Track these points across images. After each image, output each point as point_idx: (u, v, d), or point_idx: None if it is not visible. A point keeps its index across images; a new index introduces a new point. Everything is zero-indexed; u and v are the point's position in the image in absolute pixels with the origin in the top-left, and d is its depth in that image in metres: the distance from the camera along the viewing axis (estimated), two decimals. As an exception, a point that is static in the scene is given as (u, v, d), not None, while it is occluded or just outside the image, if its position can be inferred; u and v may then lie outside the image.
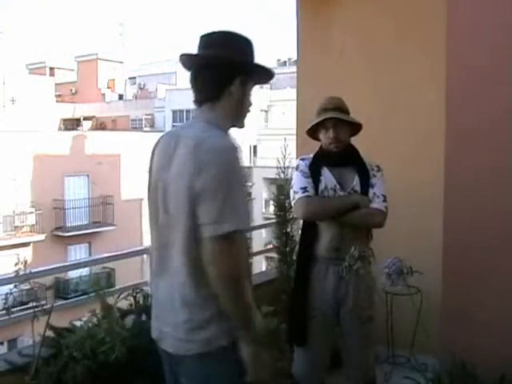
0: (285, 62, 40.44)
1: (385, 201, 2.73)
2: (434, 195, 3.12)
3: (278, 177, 4.22)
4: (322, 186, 2.75)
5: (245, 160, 27.89)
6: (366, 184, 2.74)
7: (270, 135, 27.08)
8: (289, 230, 4.13)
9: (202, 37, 1.97)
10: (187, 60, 1.96)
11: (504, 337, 2.91)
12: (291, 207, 4.13)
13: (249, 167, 25.38)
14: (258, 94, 31.69)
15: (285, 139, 4.21)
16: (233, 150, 1.81)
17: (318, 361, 2.79)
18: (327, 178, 2.76)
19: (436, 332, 3.19)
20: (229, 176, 1.78)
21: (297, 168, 2.85)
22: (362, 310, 2.70)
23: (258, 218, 19.52)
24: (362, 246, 2.68)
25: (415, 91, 4.02)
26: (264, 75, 2.05)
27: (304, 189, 2.76)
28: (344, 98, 2.76)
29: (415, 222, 3.83)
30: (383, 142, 3.94)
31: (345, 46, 4.38)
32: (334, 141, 2.71)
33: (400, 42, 4.09)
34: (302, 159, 2.87)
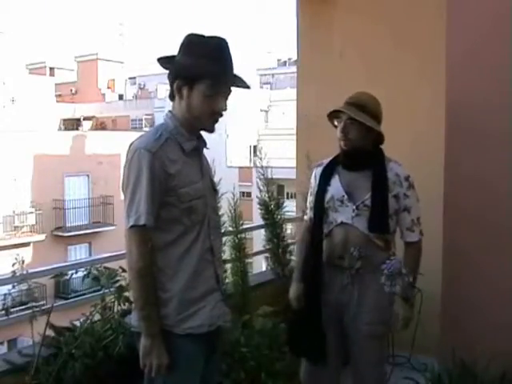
0: (285, 62, 40.40)
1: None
2: (433, 196, 3.12)
3: (258, 179, 4.20)
4: (327, 197, 2.53)
5: (244, 160, 28.01)
6: (380, 197, 2.45)
7: (270, 135, 27.06)
8: (279, 231, 4.12)
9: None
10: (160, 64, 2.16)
11: (504, 336, 2.91)
12: (278, 208, 4.13)
13: (248, 167, 25.35)
14: (258, 94, 31.75)
15: (257, 141, 4.23)
16: (141, 150, 1.90)
17: (331, 374, 2.63)
18: (335, 187, 2.54)
19: (436, 332, 3.19)
20: (134, 173, 1.90)
21: (313, 176, 2.70)
22: (367, 323, 2.48)
23: (257, 218, 19.47)
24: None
25: (414, 92, 4.02)
26: (238, 81, 2.06)
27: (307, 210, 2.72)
28: (343, 98, 2.70)
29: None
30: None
31: (345, 46, 4.38)
32: (341, 137, 2.52)
33: (399, 41, 4.09)
34: (319, 164, 2.67)
